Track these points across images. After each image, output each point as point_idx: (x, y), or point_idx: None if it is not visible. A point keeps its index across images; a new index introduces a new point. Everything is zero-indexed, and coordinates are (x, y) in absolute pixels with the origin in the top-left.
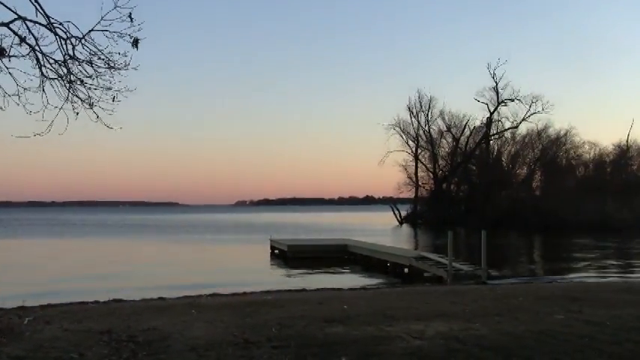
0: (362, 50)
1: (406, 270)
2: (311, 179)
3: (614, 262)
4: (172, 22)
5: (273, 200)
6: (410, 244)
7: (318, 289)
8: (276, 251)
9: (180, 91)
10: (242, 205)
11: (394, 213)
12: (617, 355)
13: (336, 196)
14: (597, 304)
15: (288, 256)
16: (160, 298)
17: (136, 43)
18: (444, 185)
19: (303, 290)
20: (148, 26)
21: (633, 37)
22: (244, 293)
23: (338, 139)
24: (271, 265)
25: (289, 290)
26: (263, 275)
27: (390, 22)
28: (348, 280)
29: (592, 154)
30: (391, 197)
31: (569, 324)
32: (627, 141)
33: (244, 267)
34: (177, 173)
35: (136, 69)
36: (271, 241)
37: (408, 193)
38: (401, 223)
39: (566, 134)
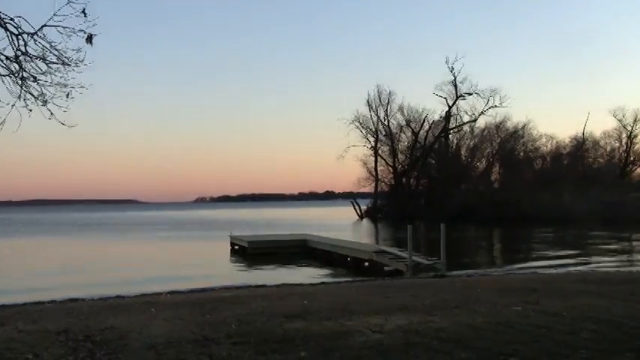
0: (321, 45)
1: (366, 264)
2: (271, 175)
3: (571, 253)
4: (124, 18)
5: (233, 197)
6: (370, 238)
7: (278, 285)
8: (237, 247)
9: (138, 88)
10: (202, 201)
11: (354, 208)
12: (572, 345)
13: (296, 192)
14: (554, 295)
15: (248, 252)
16: (119, 297)
17: (90, 39)
18: (404, 179)
19: (263, 286)
20: (104, 23)
21: (589, 31)
22: (204, 290)
23: (298, 134)
24: (231, 261)
25: (249, 286)
26: (223, 272)
27: (350, 17)
28: (308, 275)
29: (549, 146)
30: (351, 192)
31: (526, 315)
32: (583, 134)
33: (204, 264)
34: (135, 170)
35: (89, 65)
36: (231, 237)
37: (368, 188)
38: (361, 217)
39: (523, 127)
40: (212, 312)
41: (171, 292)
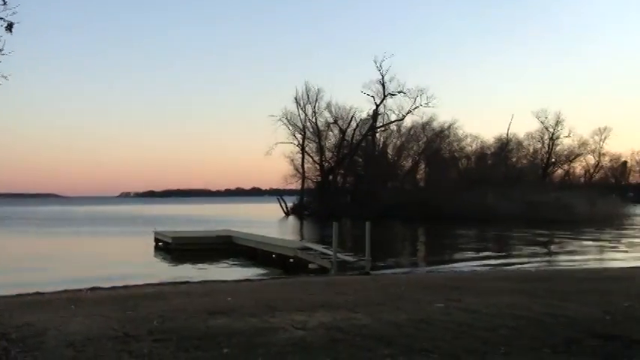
0: (250, 41)
1: (291, 261)
2: (197, 171)
3: (493, 252)
4: (47, 10)
5: (158, 192)
6: (295, 235)
7: (201, 282)
8: (160, 243)
9: (59, 80)
10: (126, 196)
11: (281, 204)
12: (492, 341)
13: (222, 188)
14: (475, 293)
15: (172, 248)
16: (37, 293)
17: (10, 27)
18: (331, 177)
19: (187, 282)
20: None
21: (512, 32)
22: (126, 287)
23: (224, 130)
24: (155, 257)
25: (172, 283)
26: (146, 268)
27: (278, 14)
28: (232, 271)
29: (474, 147)
30: (278, 189)
31: (448, 312)
32: (507, 134)
33: (127, 260)
34: (56, 163)
35: (9, 54)
36: (155, 233)
37: (295, 185)
38: (287, 214)
39: (449, 127)
40: (134, 308)
41: (93, 289)
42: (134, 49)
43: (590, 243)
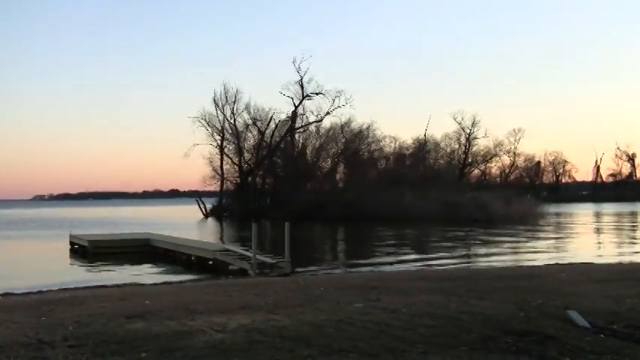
0: (167, 41)
1: (210, 263)
2: (114, 173)
3: (411, 252)
4: None
5: (74, 194)
6: (215, 237)
7: (119, 285)
8: (76, 247)
9: None
10: (40, 199)
11: (199, 206)
12: (410, 340)
13: (140, 190)
14: (394, 292)
15: (88, 251)
16: None
17: None
18: (250, 178)
19: (104, 286)
20: None
21: (430, 36)
22: (40, 292)
23: (141, 131)
24: (71, 261)
25: (88, 287)
26: (61, 272)
27: (195, 14)
28: (150, 275)
29: (392, 147)
30: (197, 190)
31: (367, 312)
32: (425, 136)
33: (41, 264)
34: None
35: None
36: (71, 236)
37: (214, 186)
38: (206, 216)
39: (368, 128)
40: (49, 314)
41: (5, 295)
42: (43, 48)
43: (505, 242)
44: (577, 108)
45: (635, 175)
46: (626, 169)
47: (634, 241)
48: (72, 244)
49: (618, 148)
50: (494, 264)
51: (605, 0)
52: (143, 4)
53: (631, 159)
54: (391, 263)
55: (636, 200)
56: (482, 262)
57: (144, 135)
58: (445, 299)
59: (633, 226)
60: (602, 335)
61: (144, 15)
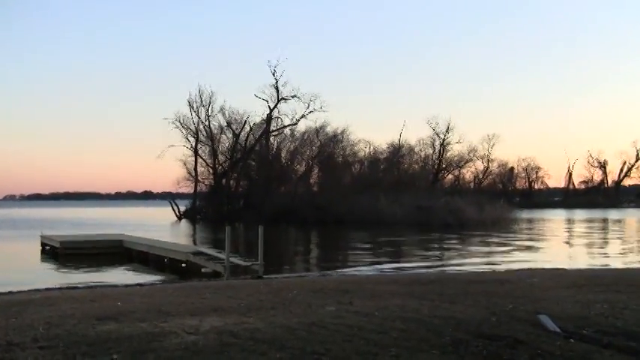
0: (143, 42)
1: (183, 265)
2: (87, 173)
3: (385, 255)
4: None
5: (45, 195)
6: (188, 239)
7: (90, 287)
8: (47, 248)
9: None
10: (11, 199)
11: (173, 208)
12: (382, 343)
13: (113, 191)
14: (366, 296)
15: (59, 252)
16: None
17: None
18: (224, 180)
19: (75, 288)
20: None
21: (405, 41)
22: (10, 292)
23: (114, 131)
24: (42, 262)
25: (60, 288)
26: (32, 273)
27: (171, 15)
28: (123, 276)
29: (367, 152)
30: (170, 192)
31: (339, 315)
32: (399, 140)
33: (11, 265)
34: None
35: None
36: (42, 237)
37: (188, 189)
38: (180, 218)
39: (342, 132)
40: (18, 315)
41: None
42: (14, 47)
43: (478, 246)
44: (550, 115)
45: (607, 182)
46: (597, 176)
47: (604, 247)
48: (43, 244)
49: (590, 155)
50: (466, 268)
51: (580, 7)
52: (118, 6)
53: (602, 166)
54: (364, 267)
55: (607, 207)
56: (455, 267)
57: (117, 136)
58: (417, 303)
59: (604, 232)
60: (571, 340)
61: (119, 16)
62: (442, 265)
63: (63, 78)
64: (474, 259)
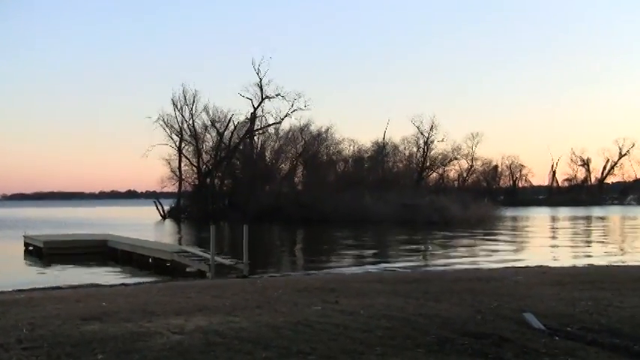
0: (126, 40)
1: (168, 265)
2: (70, 173)
3: (370, 254)
4: None
5: (28, 194)
6: (173, 238)
7: (75, 287)
8: (31, 248)
9: None
10: None
11: (157, 208)
12: (367, 342)
13: (97, 191)
14: (352, 295)
15: (44, 252)
16: None
17: None
18: (208, 180)
19: (59, 288)
20: None
21: (389, 41)
22: None
23: (98, 131)
24: (25, 262)
25: (44, 288)
26: (15, 274)
27: (156, 14)
28: (108, 276)
29: (351, 150)
30: (155, 191)
31: (325, 314)
32: (384, 139)
33: None
34: None
35: None
36: (25, 237)
37: (172, 188)
38: (164, 217)
39: (327, 131)
40: (2, 316)
41: None
42: (3, 45)
43: (463, 245)
44: (534, 113)
45: (590, 180)
46: (581, 173)
47: (588, 244)
48: (26, 244)
49: (573, 153)
50: (451, 267)
51: (564, 6)
52: (103, 3)
53: (586, 164)
54: (349, 265)
55: (591, 204)
56: (440, 265)
57: (101, 135)
58: (402, 301)
59: (587, 230)
60: (556, 337)
61: (103, 14)
62: (427, 264)
63: (47, 77)
64: (459, 258)
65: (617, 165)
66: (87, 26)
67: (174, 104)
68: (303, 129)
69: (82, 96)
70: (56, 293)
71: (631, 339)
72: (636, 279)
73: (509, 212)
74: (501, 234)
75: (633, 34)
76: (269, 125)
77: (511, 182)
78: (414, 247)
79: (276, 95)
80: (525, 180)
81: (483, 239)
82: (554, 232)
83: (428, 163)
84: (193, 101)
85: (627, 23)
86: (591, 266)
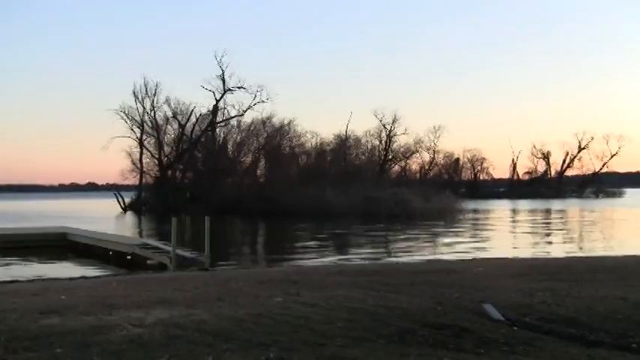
0: (87, 30)
1: (129, 258)
2: (27, 165)
3: (331, 246)
4: None
5: None
6: (133, 231)
7: (32, 280)
8: None
9: None
10: None
11: (118, 200)
12: (328, 333)
13: (56, 183)
14: (313, 287)
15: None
16: None
17: None
18: (169, 172)
19: (16, 282)
20: None
21: (351, 34)
22: None
23: (57, 121)
24: None
25: (0, 282)
26: None
27: (117, 4)
28: (67, 269)
29: (314, 143)
30: (115, 184)
31: (287, 306)
32: (346, 132)
33: None
34: None
35: None
36: None
37: (133, 180)
38: (125, 210)
39: (289, 124)
40: None
41: None
42: None
43: (424, 237)
44: (495, 107)
45: (550, 173)
46: (541, 167)
47: (547, 236)
48: None
49: (534, 146)
50: (412, 259)
51: (525, 2)
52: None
53: (546, 157)
54: (311, 258)
55: (551, 197)
56: (401, 257)
57: (60, 126)
58: (363, 293)
59: (547, 222)
60: (515, 327)
61: (64, 5)
62: (388, 256)
63: (2, 67)
64: (420, 250)
65: (577, 158)
66: (47, 17)
67: (135, 96)
68: (265, 122)
69: (40, 87)
70: (12, 287)
71: (587, 329)
72: (593, 270)
73: (470, 205)
74: (462, 226)
75: (594, 30)
76: (231, 118)
77: (472, 175)
78: (375, 239)
79: (239, 88)
80: (487, 173)
81: (444, 231)
82: (514, 224)
83: (390, 156)
84: (155, 93)
85: (587, 18)
86: (550, 258)
